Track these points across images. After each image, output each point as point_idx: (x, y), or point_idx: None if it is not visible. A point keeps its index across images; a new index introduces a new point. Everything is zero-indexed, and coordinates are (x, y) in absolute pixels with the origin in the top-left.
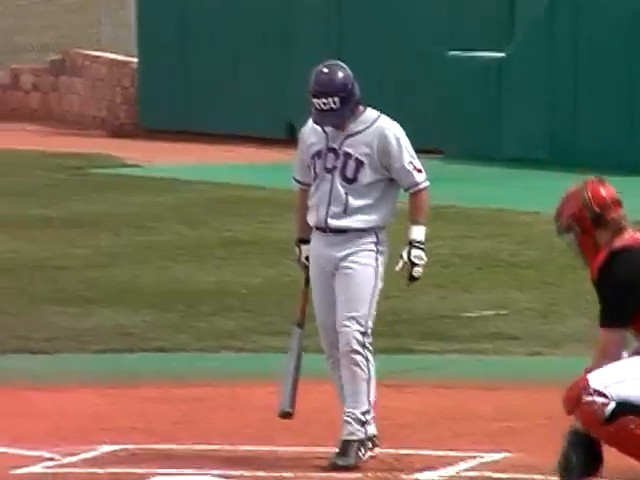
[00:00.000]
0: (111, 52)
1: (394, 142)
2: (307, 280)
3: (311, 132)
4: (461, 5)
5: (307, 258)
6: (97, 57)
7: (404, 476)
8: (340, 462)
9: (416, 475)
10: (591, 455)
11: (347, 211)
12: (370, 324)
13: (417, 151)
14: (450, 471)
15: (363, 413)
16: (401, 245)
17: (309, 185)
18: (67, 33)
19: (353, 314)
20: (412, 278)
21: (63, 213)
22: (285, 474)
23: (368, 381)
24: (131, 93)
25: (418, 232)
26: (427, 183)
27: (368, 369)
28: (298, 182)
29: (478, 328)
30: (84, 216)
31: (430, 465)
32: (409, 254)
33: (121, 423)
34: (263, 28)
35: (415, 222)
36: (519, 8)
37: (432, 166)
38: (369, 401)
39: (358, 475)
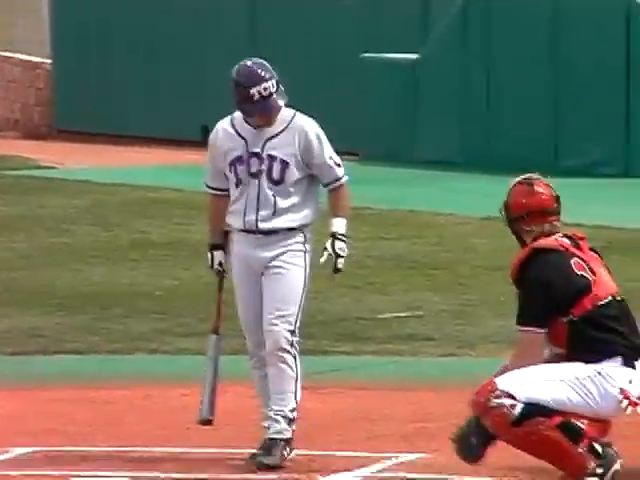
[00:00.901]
0: (24, 53)
1: (315, 139)
2: (221, 286)
3: (226, 138)
4: (377, 8)
5: (220, 264)
6: (9, 58)
7: (319, 477)
8: (266, 461)
9: (331, 476)
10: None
11: (276, 212)
12: (298, 324)
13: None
14: (365, 472)
15: (291, 411)
16: (323, 241)
17: (222, 190)
18: None
19: (282, 313)
20: (337, 270)
21: None
22: (199, 475)
23: (296, 380)
24: (45, 95)
25: (340, 225)
26: (347, 177)
27: (296, 367)
28: (211, 188)
29: (393, 329)
30: (4, 217)
31: (345, 466)
32: (333, 246)
33: (35, 425)
34: (181, 30)
35: (336, 215)
36: (434, 11)
37: (347, 168)
38: (296, 400)
39: (273, 477)
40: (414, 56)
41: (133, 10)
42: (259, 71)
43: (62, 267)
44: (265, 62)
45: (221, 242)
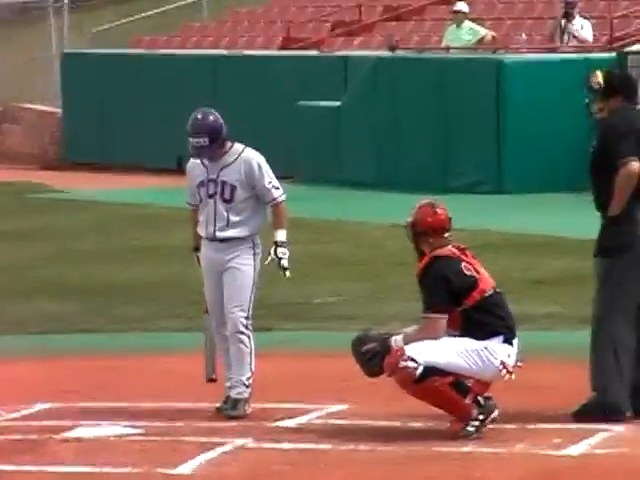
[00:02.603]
0: (41, 104)
1: (256, 168)
2: None
3: (194, 167)
4: (306, 69)
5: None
6: (31, 108)
7: (267, 424)
8: (232, 413)
9: (277, 423)
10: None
11: (229, 225)
12: (251, 310)
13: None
14: (303, 419)
15: (247, 378)
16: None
17: (197, 206)
18: (8, 90)
19: (238, 303)
20: (284, 269)
21: (5, 228)
22: (178, 423)
23: (250, 354)
24: (57, 136)
25: (280, 235)
26: (283, 197)
27: (250, 344)
28: (189, 204)
29: (324, 311)
30: (23, 230)
31: (288, 415)
32: (275, 252)
33: (55, 387)
34: (160, 84)
35: (277, 227)
36: (350, 68)
37: (286, 188)
38: (251, 369)
39: (237, 423)
40: (337, 103)
41: (122, 71)
42: (198, 125)
43: (73, 266)
44: (211, 114)
45: (199, 245)
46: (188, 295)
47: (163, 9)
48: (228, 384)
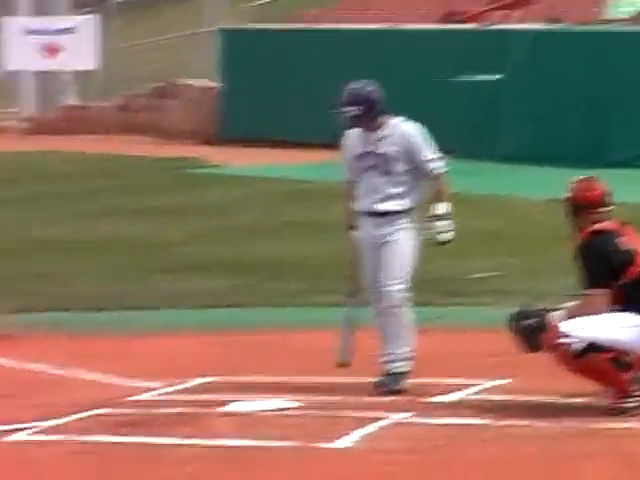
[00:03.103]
0: (200, 80)
1: (415, 140)
2: (355, 257)
3: (350, 140)
4: (465, 43)
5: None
6: (190, 84)
7: (425, 399)
8: (393, 387)
9: (434, 398)
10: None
11: (388, 197)
12: (409, 284)
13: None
14: (461, 394)
15: (406, 352)
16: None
17: (354, 181)
18: (167, 66)
19: (396, 277)
20: (442, 243)
21: (164, 203)
22: (335, 398)
23: (408, 327)
24: (216, 111)
25: (441, 207)
26: (444, 169)
27: (408, 318)
28: (345, 180)
29: (480, 286)
30: (181, 205)
31: (445, 390)
32: (436, 225)
33: (211, 361)
34: (319, 59)
35: (438, 199)
36: (510, 42)
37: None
38: (411, 342)
39: (395, 398)
40: (496, 77)
41: (281, 46)
42: (355, 96)
43: (228, 242)
44: (368, 85)
45: (353, 222)
46: (341, 271)
47: None
48: (384, 359)
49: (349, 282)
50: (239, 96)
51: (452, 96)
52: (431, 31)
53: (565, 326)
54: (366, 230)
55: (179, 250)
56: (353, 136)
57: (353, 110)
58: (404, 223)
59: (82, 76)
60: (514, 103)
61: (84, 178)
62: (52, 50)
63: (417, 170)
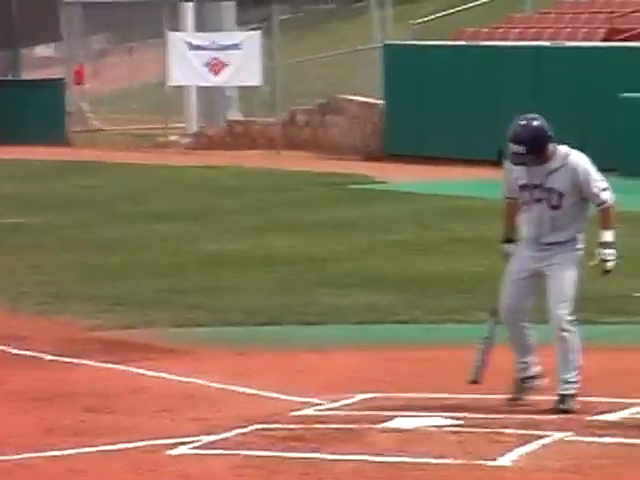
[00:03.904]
0: (364, 96)
1: (583, 173)
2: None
3: (515, 168)
4: (629, 60)
5: (509, 253)
6: (353, 100)
7: (588, 417)
8: (562, 406)
9: (598, 417)
10: None
11: (555, 229)
12: (573, 307)
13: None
14: (625, 413)
15: (573, 376)
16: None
17: (514, 199)
18: (331, 83)
19: (562, 300)
20: (606, 272)
21: (328, 218)
22: (496, 415)
23: (574, 351)
24: (379, 127)
25: (607, 235)
26: (613, 200)
27: (575, 342)
28: (506, 197)
29: None
30: (344, 221)
31: (609, 409)
32: (600, 252)
33: (373, 377)
34: (481, 75)
35: (604, 227)
36: None
37: (609, 181)
38: (577, 366)
39: (557, 416)
40: None
41: (444, 62)
42: (519, 133)
43: (392, 257)
44: (534, 121)
45: (511, 236)
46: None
47: (486, 0)
48: (519, 367)
49: (492, 299)
50: (402, 112)
51: (618, 113)
52: (595, 48)
53: None
54: (527, 255)
55: (343, 265)
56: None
57: (517, 149)
58: (569, 249)
59: (247, 92)
60: None
61: (251, 192)
62: (217, 66)
63: (584, 200)
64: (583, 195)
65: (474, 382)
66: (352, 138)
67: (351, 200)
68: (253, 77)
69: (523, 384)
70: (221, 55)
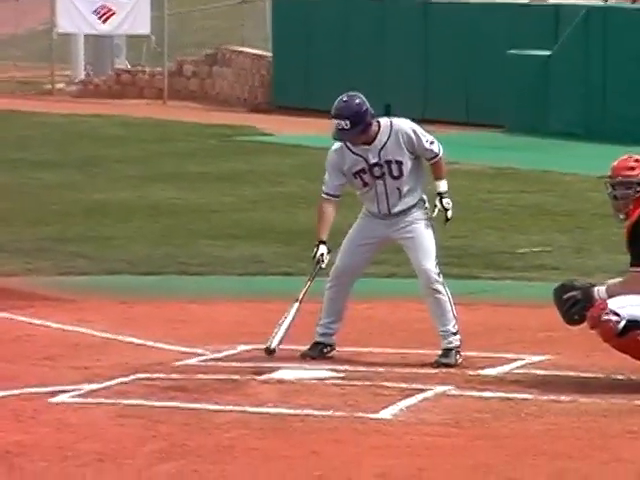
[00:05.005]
0: (252, 48)
1: (412, 134)
2: (313, 276)
3: (344, 157)
4: (517, 17)
5: (322, 256)
6: (241, 52)
7: (469, 372)
8: (444, 361)
9: (478, 371)
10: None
11: (402, 197)
12: (438, 261)
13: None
14: (505, 368)
15: (453, 326)
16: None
17: (334, 197)
18: (219, 34)
19: (427, 259)
20: (447, 219)
21: (215, 170)
22: (379, 369)
23: (449, 302)
24: (267, 79)
25: (443, 185)
26: (441, 151)
27: (447, 293)
28: (327, 195)
29: (528, 261)
30: (231, 172)
31: (489, 364)
32: (441, 202)
33: (256, 329)
34: (369, 29)
35: (439, 179)
36: (562, 18)
37: (495, 138)
38: (454, 316)
39: (438, 370)
40: (547, 53)
41: (332, 15)
42: (341, 108)
43: (277, 210)
44: (355, 97)
45: (326, 239)
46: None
47: None
48: (321, 330)
49: (303, 290)
50: (290, 65)
51: (504, 70)
52: (483, 4)
53: (610, 303)
54: (377, 228)
55: (229, 217)
56: (343, 153)
57: (340, 124)
58: (418, 209)
59: (135, 41)
60: (564, 79)
61: (137, 142)
62: (106, 13)
63: (417, 158)
64: (417, 154)
65: (270, 351)
66: (240, 90)
67: (238, 152)
68: (141, 26)
69: (321, 350)
70: (109, 3)
